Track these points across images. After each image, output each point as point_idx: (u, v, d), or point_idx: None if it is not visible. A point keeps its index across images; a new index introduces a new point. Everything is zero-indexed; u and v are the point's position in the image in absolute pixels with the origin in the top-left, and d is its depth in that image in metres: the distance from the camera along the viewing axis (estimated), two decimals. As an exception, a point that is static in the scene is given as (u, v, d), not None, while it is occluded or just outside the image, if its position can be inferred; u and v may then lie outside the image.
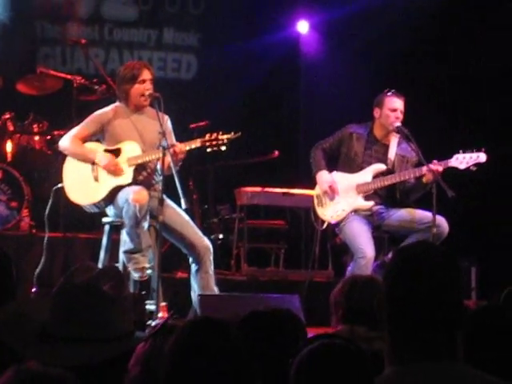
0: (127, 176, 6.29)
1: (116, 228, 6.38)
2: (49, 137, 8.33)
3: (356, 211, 6.81)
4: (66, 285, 2.31)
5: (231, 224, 8.60)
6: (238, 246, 8.48)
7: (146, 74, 6.34)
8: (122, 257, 6.23)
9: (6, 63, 8.84)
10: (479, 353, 2.47)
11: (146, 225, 6.13)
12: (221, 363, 1.99)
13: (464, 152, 6.60)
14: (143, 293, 6.16)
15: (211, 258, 6.31)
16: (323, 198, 6.91)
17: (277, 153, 8.85)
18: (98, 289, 2.27)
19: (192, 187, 8.44)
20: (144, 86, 6.30)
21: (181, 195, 5.95)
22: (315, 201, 6.98)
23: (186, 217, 6.35)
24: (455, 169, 6.60)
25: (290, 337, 2.65)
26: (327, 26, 9.80)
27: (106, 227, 6.42)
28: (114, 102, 6.54)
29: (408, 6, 9.16)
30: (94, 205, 6.37)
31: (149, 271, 6.16)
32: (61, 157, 6.76)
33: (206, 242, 6.35)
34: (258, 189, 8.58)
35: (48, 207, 6.85)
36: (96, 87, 7.97)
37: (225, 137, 6.27)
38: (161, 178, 6.16)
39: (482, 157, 6.58)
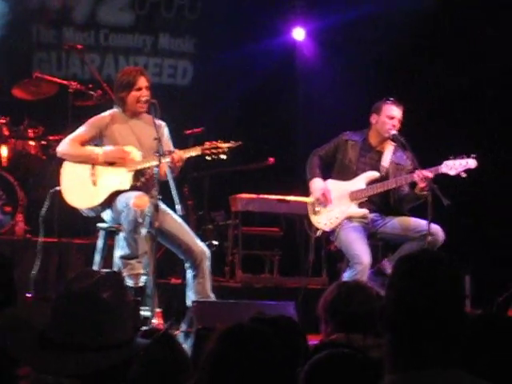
0: (126, 181, 6.27)
1: (111, 233, 6.37)
2: (44, 142, 8.32)
3: (350, 218, 6.81)
4: (66, 291, 2.31)
5: (226, 231, 8.59)
6: (232, 252, 8.47)
7: (143, 81, 6.33)
8: (117, 262, 6.22)
9: (2, 68, 8.83)
10: (475, 360, 2.47)
11: (143, 231, 6.11)
12: (263, 372, 1.99)
13: (454, 158, 6.60)
14: (138, 299, 6.14)
15: (208, 263, 6.31)
16: (317, 206, 6.91)
17: (272, 159, 8.83)
18: (97, 296, 2.26)
19: (187, 193, 8.41)
20: (140, 93, 6.30)
21: (176, 201, 5.94)
22: (309, 208, 6.98)
23: (183, 222, 6.34)
24: (446, 175, 6.59)
25: (291, 344, 2.65)
26: (323, 33, 9.81)
27: (102, 232, 6.40)
28: (110, 107, 6.54)
29: (404, 13, 9.16)
30: (91, 209, 6.35)
31: (143, 278, 6.14)
32: (55, 161, 6.75)
33: (203, 247, 6.35)
34: (253, 195, 8.58)
35: (44, 209, 6.83)
36: (91, 92, 7.97)
37: (225, 145, 6.26)
38: (157, 183, 6.15)
39: (471, 163, 6.56)
